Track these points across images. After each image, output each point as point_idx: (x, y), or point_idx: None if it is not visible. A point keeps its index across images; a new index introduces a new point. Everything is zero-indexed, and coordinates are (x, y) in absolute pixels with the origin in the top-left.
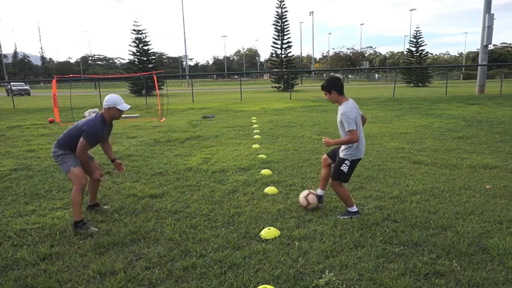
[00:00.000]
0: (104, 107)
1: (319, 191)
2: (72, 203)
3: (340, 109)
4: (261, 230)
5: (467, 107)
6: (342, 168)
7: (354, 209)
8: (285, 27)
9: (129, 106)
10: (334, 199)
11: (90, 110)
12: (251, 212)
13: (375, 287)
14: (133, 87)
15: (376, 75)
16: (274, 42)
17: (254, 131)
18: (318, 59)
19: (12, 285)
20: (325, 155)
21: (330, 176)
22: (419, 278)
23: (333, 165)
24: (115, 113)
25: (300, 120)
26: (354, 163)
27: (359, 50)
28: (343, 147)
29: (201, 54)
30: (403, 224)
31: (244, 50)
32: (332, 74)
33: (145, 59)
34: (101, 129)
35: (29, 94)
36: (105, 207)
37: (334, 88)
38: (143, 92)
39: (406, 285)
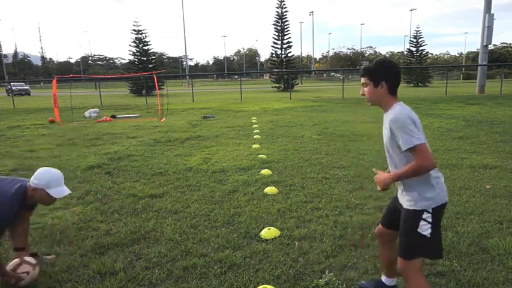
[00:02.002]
0: (31, 183)
1: (384, 279)
2: None
3: (390, 114)
4: (261, 230)
5: (467, 107)
6: (419, 230)
7: None
8: (285, 27)
9: (68, 192)
10: (335, 199)
11: (90, 110)
12: (251, 212)
13: None
14: (133, 87)
15: None
16: (274, 42)
17: (254, 131)
18: (318, 59)
19: (12, 285)
20: (379, 225)
21: (399, 255)
22: None
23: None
24: (43, 197)
25: (300, 120)
26: (437, 213)
27: (359, 50)
28: (408, 189)
29: (201, 54)
30: None
31: (244, 50)
32: (377, 61)
33: (145, 59)
34: (8, 214)
35: (29, 94)
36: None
37: (386, 78)
38: (143, 92)
39: (406, 286)
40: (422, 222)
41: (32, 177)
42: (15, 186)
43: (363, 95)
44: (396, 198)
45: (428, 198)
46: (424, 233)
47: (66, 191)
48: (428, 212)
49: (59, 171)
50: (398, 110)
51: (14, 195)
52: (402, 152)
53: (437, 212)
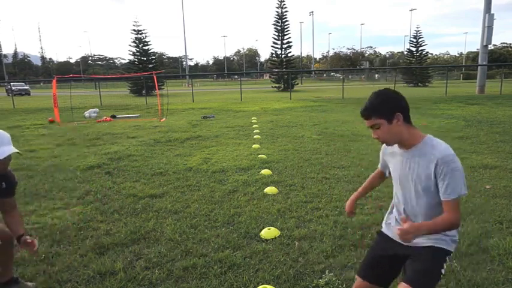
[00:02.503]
0: None
1: None
2: None
3: (429, 149)
4: (261, 230)
5: (467, 107)
6: (443, 271)
7: None
8: (285, 27)
9: (13, 151)
10: (335, 199)
11: (90, 110)
12: (251, 212)
13: None
14: (133, 87)
15: (376, 75)
16: (274, 42)
17: (254, 131)
18: (318, 59)
19: (12, 285)
20: (358, 279)
21: (412, 284)
22: None
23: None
24: None
25: (300, 120)
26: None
27: (359, 50)
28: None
29: (201, 54)
30: None
31: (244, 50)
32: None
33: (145, 59)
34: None
35: (29, 94)
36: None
37: (398, 107)
38: (143, 92)
39: None
40: (445, 264)
41: None
42: None
43: (377, 138)
44: (386, 243)
45: (456, 241)
46: (443, 271)
47: (9, 150)
48: (449, 256)
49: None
50: (443, 147)
51: None
52: (439, 204)
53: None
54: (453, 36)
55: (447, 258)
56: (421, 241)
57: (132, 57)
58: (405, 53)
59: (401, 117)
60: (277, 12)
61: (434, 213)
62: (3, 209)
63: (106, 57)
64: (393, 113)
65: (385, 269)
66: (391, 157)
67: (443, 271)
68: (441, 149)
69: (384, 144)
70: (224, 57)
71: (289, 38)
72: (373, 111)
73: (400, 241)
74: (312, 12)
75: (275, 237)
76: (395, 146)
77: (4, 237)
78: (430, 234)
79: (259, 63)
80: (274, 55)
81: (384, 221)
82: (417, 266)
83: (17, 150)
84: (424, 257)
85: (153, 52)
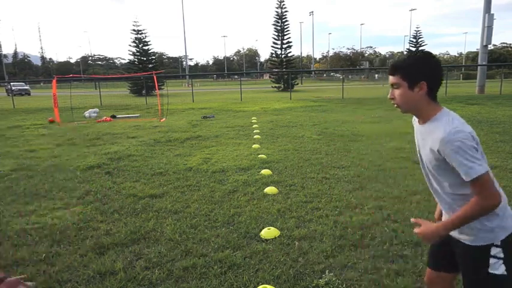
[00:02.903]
0: None
1: None
2: None
3: (437, 129)
4: (261, 230)
5: (467, 107)
6: (491, 270)
7: None
8: (285, 27)
9: None
10: (335, 199)
11: (90, 110)
12: (251, 212)
13: (374, 287)
14: (133, 87)
15: (376, 76)
16: (274, 43)
17: (254, 131)
18: (318, 59)
19: None
20: (429, 269)
21: None
22: (419, 278)
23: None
24: None
25: (300, 120)
26: (510, 243)
27: (359, 50)
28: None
29: (201, 54)
30: (403, 224)
31: (244, 50)
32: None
33: (145, 59)
34: None
35: (29, 94)
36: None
37: (427, 77)
38: (143, 92)
39: (406, 285)
40: (492, 260)
41: None
42: None
43: (392, 98)
44: (445, 246)
45: (494, 228)
46: (498, 272)
47: None
48: (497, 246)
49: None
50: (450, 125)
51: None
52: (464, 182)
53: (510, 241)
54: (453, 36)
55: (496, 252)
56: (458, 235)
57: (132, 57)
58: (405, 53)
59: (425, 87)
60: (277, 12)
61: (461, 197)
62: None
63: (106, 57)
64: (418, 80)
65: (442, 255)
66: (415, 133)
67: (496, 272)
68: (445, 127)
69: (414, 117)
70: (224, 57)
71: (289, 38)
72: (401, 68)
73: None
74: (312, 12)
75: (275, 237)
76: (416, 120)
77: None
78: (468, 223)
79: (259, 63)
80: (274, 55)
81: None
82: (464, 279)
83: None
84: (464, 266)
85: (153, 52)
